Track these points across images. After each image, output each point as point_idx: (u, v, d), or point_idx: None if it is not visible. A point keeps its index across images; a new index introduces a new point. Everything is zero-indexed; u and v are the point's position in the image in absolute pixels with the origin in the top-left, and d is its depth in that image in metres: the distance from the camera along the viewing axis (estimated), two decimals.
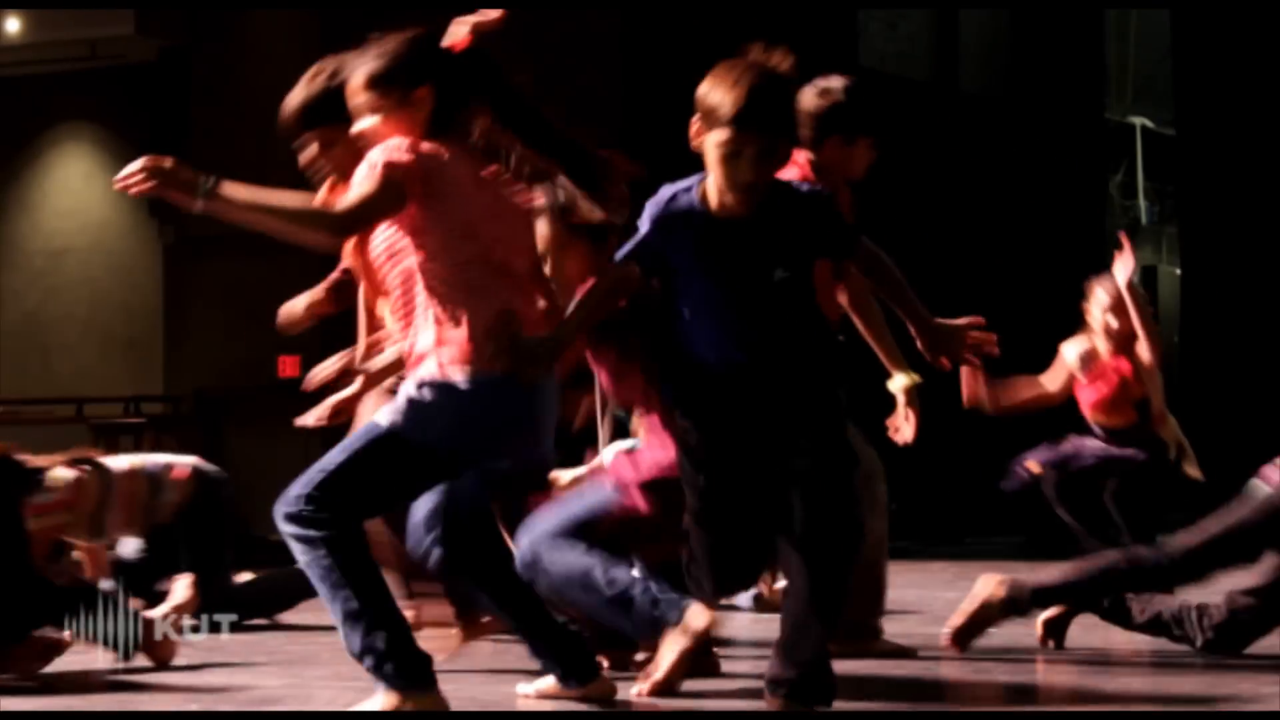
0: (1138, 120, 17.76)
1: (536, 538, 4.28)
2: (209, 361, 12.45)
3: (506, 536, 4.46)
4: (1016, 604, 4.99)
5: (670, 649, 4.13)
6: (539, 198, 4.11)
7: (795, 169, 4.88)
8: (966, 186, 13.75)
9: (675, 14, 11.86)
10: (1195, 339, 13.46)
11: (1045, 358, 7.52)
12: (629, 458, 4.46)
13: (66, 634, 4.21)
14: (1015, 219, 14.08)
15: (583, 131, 4.15)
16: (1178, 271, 15.17)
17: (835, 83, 5.20)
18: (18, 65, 13.53)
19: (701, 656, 4.22)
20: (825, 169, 5.08)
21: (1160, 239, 17.96)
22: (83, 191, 13.88)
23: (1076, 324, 7.49)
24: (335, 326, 12.42)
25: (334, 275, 5.37)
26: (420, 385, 3.72)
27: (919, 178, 13.33)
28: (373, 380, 4.82)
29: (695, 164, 3.92)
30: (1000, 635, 5.57)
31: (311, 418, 4.85)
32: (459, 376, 3.67)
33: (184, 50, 12.94)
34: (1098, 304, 7.15)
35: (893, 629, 5.40)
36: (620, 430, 5.45)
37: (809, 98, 5.12)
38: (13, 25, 12.95)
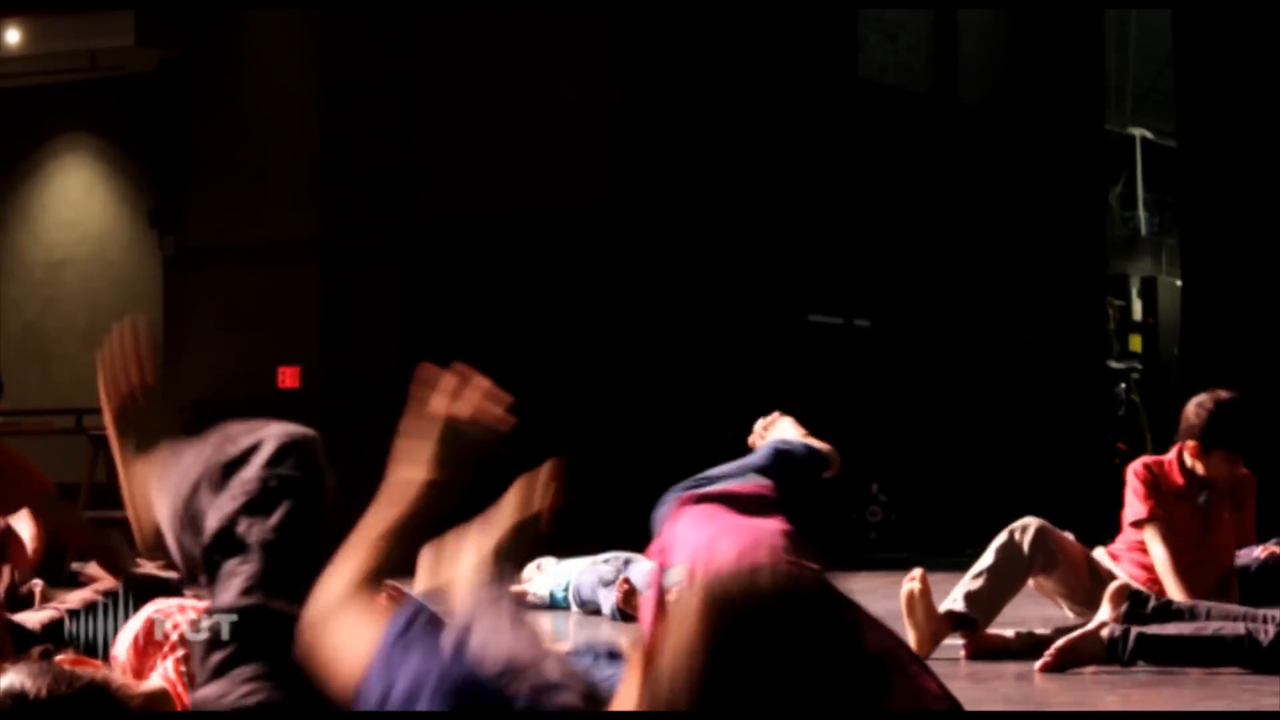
0: (1137, 131, 17.77)
1: None
2: (208, 372, 12.45)
3: None
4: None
5: None
6: None
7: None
8: (966, 197, 13.75)
9: (675, 25, 11.87)
10: (1196, 350, 13.45)
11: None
12: None
13: None
14: (1015, 230, 14.08)
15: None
16: (1178, 283, 15.17)
17: (1217, 397, 5.59)
18: (17, 76, 13.55)
19: None
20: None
21: (1160, 250, 17.96)
22: (82, 203, 13.89)
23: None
24: (335, 336, 12.42)
25: None
26: None
27: (919, 189, 13.33)
28: None
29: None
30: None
31: None
32: None
33: (183, 61, 12.96)
34: None
35: None
36: None
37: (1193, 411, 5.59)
38: (13, 36, 12.97)
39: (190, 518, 2.23)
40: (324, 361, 12.01)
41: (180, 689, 3.29)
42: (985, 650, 5.44)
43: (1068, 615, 5.74)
